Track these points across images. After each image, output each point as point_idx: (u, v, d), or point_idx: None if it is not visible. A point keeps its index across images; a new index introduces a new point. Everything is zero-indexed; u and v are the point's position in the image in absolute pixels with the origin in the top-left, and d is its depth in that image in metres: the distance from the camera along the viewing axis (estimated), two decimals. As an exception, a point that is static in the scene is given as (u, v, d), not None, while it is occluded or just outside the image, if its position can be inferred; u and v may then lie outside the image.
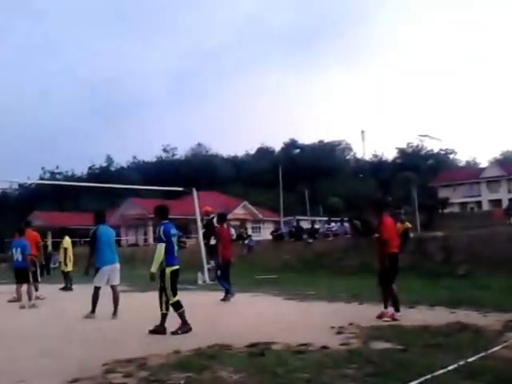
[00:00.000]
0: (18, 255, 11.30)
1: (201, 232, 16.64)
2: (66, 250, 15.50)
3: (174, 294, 7.33)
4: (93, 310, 9.07)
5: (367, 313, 8.46)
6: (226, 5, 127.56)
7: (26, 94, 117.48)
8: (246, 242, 21.86)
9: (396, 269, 7.98)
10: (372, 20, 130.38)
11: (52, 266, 23.30)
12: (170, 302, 7.32)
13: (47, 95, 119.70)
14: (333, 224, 21.74)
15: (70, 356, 5.86)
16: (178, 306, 7.32)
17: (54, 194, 66.58)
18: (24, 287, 11.34)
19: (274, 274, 16.56)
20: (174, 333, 7.06)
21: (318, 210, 45.23)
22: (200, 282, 15.54)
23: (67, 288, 15.05)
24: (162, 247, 7.26)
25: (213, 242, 16.23)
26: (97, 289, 9.20)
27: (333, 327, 7.03)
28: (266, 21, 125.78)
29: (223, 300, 10.98)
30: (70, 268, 15.40)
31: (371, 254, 17.22)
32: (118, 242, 43.79)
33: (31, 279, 11.69)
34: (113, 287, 9.24)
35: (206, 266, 15.81)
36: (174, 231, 7.52)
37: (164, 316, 7.32)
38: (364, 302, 9.90)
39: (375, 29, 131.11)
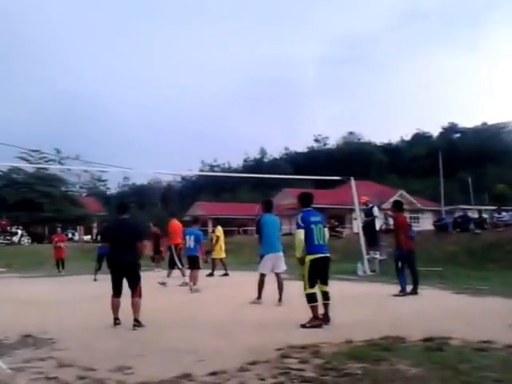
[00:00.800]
0: (190, 243, 12.10)
1: (360, 221, 16.40)
2: (218, 238, 16.66)
3: (311, 285, 7.00)
4: (259, 296, 9.35)
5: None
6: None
7: (187, 91, 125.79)
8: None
9: None
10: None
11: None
12: (305, 292, 7.05)
13: (206, 92, 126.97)
14: (503, 213, 19.99)
15: (244, 339, 6.12)
16: (311, 299, 7.00)
17: (213, 186, 70.65)
18: (192, 272, 12.01)
19: (437, 267, 15.69)
20: (303, 325, 6.82)
21: (483, 197, 41.97)
22: (360, 272, 15.30)
23: (226, 274, 15.98)
24: (299, 233, 7.12)
25: (377, 227, 16.00)
26: (262, 275, 9.47)
27: (515, 325, 6.47)
28: (425, 2, 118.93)
29: (397, 295, 10.00)
30: (222, 255, 16.52)
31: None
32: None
33: (177, 265, 12.74)
34: (277, 274, 9.47)
35: (365, 257, 15.54)
36: (314, 219, 7.21)
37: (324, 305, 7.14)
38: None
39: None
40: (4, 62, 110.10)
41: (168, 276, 13.35)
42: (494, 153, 64.69)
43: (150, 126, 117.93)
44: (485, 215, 22.09)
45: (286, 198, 46.05)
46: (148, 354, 5.50)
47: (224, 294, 11.45)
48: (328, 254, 7.26)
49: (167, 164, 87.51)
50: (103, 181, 67.68)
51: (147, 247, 7.66)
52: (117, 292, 7.28)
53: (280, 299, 9.23)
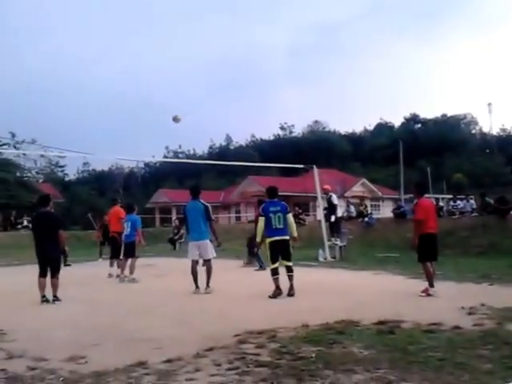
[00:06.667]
0: (128, 229, 11.82)
1: (322, 209, 16.67)
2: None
3: (273, 262, 8.53)
4: (196, 286, 9.29)
5: (498, 294, 8.08)
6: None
7: (152, 76, 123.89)
8: (366, 219, 21.52)
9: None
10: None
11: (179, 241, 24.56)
12: (268, 267, 8.74)
13: (172, 78, 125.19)
14: (458, 202, 20.64)
15: (202, 327, 6.18)
16: (273, 273, 8.51)
17: (177, 173, 69.99)
18: (127, 261, 11.77)
19: (395, 253, 16.14)
20: (270, 296, 8.32)
21: (441, 186, 43.03)
22: (321, 258, 15.59)
23: None
24: (260, 221, 8.67)
25: (333, 219, 16.29)
26: (192, 262, 9.42)
27: (463, 307, 6.76)
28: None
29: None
30: None
31: (501, 233, 16.26)
32: (238, 218, 45.32)
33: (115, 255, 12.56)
34: (205, 261, 9.44)
35: (326, 243, 15.83)
36: (273, 209, 8.61)
37: (275, 280, 8.46)
38: (494, 282, 9.41)
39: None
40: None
41: (118, 267, 12.43)
42: (452, 143, 66.22)
43: (113, 110, 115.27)
44: (441, 203, 22.71)
45: (252, 186, 46.20)
46: (103, 342, 5.43)
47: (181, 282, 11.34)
48: (285, 237, 8.64)
49: (130, 150, 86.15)
50: (61, 166, 65.65)
51: (64, 237, 8.87)
52: (43, 273, 8.46)
53: (207, 285, 9.26)
